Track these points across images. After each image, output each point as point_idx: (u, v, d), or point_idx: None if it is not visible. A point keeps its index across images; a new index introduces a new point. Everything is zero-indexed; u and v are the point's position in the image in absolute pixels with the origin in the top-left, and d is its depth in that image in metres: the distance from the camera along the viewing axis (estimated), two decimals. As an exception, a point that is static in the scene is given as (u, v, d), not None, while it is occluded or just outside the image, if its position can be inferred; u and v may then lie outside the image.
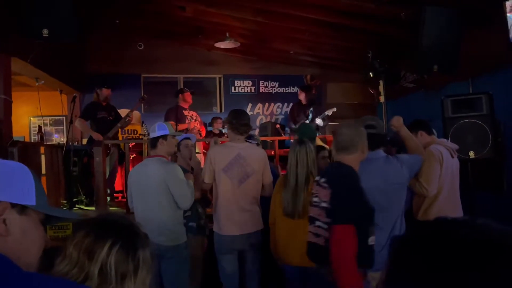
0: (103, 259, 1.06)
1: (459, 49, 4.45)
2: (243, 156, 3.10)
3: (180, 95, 5.90)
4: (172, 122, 5.52)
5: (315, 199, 2.30)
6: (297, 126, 6.08)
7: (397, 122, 2.82)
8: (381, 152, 2.57)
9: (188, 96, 5.88)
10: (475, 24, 4.61)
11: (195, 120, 5.90)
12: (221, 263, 3.17)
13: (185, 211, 3.28)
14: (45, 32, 3.65)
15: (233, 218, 3.10)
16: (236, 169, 3.09)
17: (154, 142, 3.15)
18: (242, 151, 3.13)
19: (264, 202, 3.23)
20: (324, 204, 2.22)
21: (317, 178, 2.38)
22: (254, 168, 3.13)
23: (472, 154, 4.01)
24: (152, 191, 3.03)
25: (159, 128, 3.16)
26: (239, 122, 3.17)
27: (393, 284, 0.54)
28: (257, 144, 3.71)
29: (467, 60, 4.62)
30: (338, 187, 2.20)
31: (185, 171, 3.30)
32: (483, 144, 4.00)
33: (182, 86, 8.14)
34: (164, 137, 3.14)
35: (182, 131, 5.43)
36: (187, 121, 5.76)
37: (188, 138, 3.73)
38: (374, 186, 2.44)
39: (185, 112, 5.83)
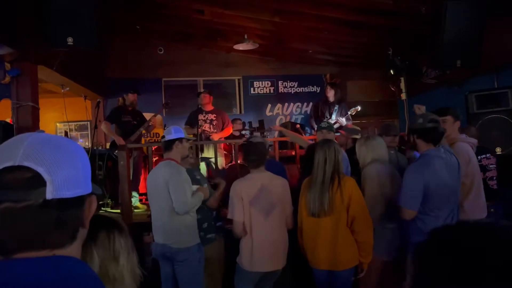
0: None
1: (482, 42, 4.34)
2: (267, 186, 3.02)
3: (198, 98, 5.87)
4: (186, 126, 5.58)
5: None
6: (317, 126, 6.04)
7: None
8: (442, 148, 2.78)
9: (203, 98, 5.75)
10: (498, 15, 4.49)
11: (210, 123, 5.81)
12: None
13: (202, 223, 3.28)
14: (70, 40, 3.76)
15: (263, 254, 2.99)
16: (263, 201, 3.00)
17: (169, 144, 3.16)
18: (265, 181, 3.04)
19: None
20: None
21: None
22: (280, 198, 3.06)
23: (498, 150, 3.92)
24: (158, 194, 3.07)
25: (176, 130, 3.18)
26: (248, 159, 3.11)
27: None
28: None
29: (491, 53, 4.50)
30: None
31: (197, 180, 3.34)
32: (510, 140, 3.90)
33: (202, 89, 8.23)
34: (180, 140, 3.16)
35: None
36: (198, 126, 5.66)
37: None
38: (444, 182, 2.68)
39: (201, 116, 5.72)
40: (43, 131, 0.80)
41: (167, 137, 3.19)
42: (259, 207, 2.99)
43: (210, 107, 5.83)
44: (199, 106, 5.82)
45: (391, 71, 5.77)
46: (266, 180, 3.05)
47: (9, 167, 0.69)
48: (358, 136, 4.58)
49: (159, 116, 6.48)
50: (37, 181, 0.69)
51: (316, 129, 4.97)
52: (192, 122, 5.69)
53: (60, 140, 0.78)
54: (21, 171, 0.69)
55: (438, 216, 2.70)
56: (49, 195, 0.69)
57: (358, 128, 4.77)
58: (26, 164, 0.69)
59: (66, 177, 0.72)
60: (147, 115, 5.78)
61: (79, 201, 0.75)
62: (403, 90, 5.79)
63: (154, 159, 5.75)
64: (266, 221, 2.99)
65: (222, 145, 5.95)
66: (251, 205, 2.99)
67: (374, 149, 3.16)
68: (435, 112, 3.07)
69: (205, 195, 3.24)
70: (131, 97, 5.66)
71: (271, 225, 3.00)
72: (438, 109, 3.19)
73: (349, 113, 6.11)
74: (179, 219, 3.03)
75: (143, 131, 5.77)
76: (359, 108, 6.09)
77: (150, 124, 5.62)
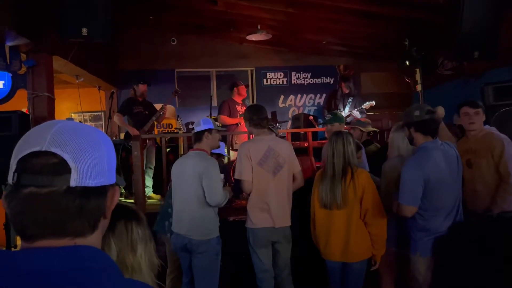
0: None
1: (499, 33, 4.25)
2: (273, 148, 3.19)
3: (235, 88, 5.88)
4: (223, 116, 5.62)
5: None
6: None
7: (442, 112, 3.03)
8: (438, 140, 2.69)
9: (242, 89, 5.87)
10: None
11: None
12: (258, 256, 3.17)
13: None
14: (85, 31, 3.78)
15: (271, 211, 3.13)
16: (270, 161, 3.16)
17: (199, 135, 3.22)
18: (272, 143, 3.22)
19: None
20: None
21: None
22: (285, 158, 3.20)
23: (515, 143, 3.83)
24: (187, 185, 3.10)
25: (204, 122, 3.24)
26: (259, 118, 3.27)
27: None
28: (276, 135, 3.78)
29: (508, 45, 4.41)
30: None
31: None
32: (527, 132, 3.81)
33: (214, 80, 8.25)
34: (209, 131, 3.21)
35: (232, 125, 5.54)
36: (238, 116, 5.77)
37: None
38: (444, 176, 2.57)
39: (238, 107, 5.80)
40: (72, 119, 0.80)
41: (197, 129, 3.25)
42: (267, 167, 3.15)
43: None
44: (232, 97, 5.84)
45: (407, 63, 5.69)
46: (272, 142, 3.23)
47: (36, 152, 0.69)
48: (371, 129, 4.57)
49: (171, 106, 6.50)
50: (63, 168, 0.69)
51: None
52: (231, 112, 5.71)
53: (88, 128, 0.77)
54: (47, 157, 0.69)
55: (439, 211, 2.59)
56: (73, 183, 0.69)
57: (369, 120, 4.78)
58: (53, 150, 0.69)
59: (91, 166, 0.72)
60: (159, 106, 5.81)
61: (102, 190, 0.74)
62: (419, 82, 5.71)
63: (167, 150, 5.79)
64: (274, 180, 3.15)
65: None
66: (259, 165, 3.14)
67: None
68: (465, 104, 3.17)
69: (230, 194, 3.33)
70: (141, 88, 5.67)
71: (278, 184, 3.16)
72: (470, 101, 3.22)
73: (363, 107, 6.05)
74: (205, 210, 3.07)
75: (155, 121, 5.82)
76: (373, 102, 6.03)
77: (161, 113, 5.66)
